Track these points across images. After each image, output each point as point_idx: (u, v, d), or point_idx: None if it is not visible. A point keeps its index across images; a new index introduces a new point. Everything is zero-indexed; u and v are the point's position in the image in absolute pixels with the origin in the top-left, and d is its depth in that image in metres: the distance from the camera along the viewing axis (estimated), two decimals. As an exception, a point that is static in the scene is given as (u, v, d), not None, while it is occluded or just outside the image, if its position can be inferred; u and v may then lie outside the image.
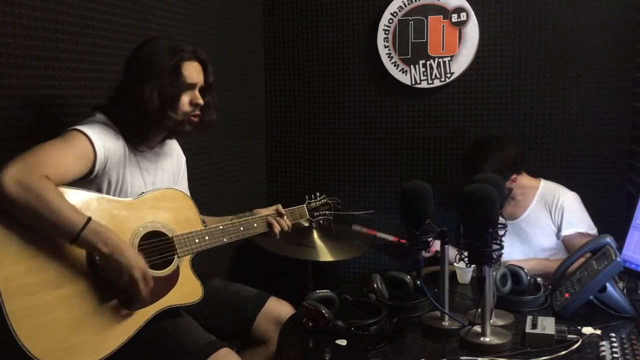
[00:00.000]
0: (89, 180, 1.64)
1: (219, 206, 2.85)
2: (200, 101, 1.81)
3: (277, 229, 2.02)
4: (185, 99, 1.78)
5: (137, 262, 1.53)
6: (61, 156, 1.54)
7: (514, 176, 2.51)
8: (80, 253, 1.53)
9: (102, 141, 1.64)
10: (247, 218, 1.98)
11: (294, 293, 2.18)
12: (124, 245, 1.54)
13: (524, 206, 2.57)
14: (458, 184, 3.00)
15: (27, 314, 1.41)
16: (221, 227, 1.88)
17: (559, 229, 2.49)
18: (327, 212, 2.26)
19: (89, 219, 1.48)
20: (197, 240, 1.80)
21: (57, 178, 1.50)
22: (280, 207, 2.07)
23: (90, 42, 2.03)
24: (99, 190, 1.68)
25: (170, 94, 1.74)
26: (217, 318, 1.98)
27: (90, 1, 2.03)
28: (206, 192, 2.72)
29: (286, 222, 2.05)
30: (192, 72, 1.79)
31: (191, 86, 1.79)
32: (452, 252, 1.80)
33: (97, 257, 1.53)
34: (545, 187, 2.58)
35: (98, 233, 1.49)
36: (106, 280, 1.55)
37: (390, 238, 2.73)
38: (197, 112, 1.82)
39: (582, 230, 2.47)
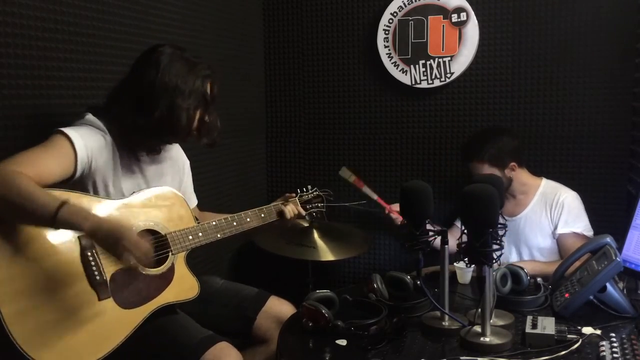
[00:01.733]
0: (72, 182, 1.62)
1: (220, 206, 2.84)
2: (207, 118, 1.83)
3: (288, 214, 2.06)
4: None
5: (121, 226, 1.50)
6: (38, 158, 1.53)
7: (512, 163, 2.52)
8: (75, 253, 1.53)
9: (84, 142, 1.62)
10: (240, 213, 1.98)
11: (294, 293, 2.18)
12: (103, 218, 1.55)
13: (524, 204, 2.58)
14: (458, 184, 3.00)
15: (23, 317, 1.41)
16: (214, 223, 1.88)
17: (556, 227, 2.49)
18: (319, 204, 2.25)
19: (65, 200, 1.45)
20: (190, 237, 1.80)
21: (36, 179, 1.48)
22: (287, 194, 2.15)
23: (90, 42, 2.03)
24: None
25: (200, 116, 1.79)
26: (218, 317, 1.98)
27: (90, 1, 2.02)
28: (207, 191, 2.72)
29: (296, 207, 2.09)
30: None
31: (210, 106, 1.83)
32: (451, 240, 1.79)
33: (82, 235, 1.52)
34: (547, 186, 2.58)
35: (76, 211, 1.46)
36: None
37: (374, 197, 2.74)
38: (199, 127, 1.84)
39: (579, 230, 2.46)
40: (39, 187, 1.47)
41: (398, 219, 2.60)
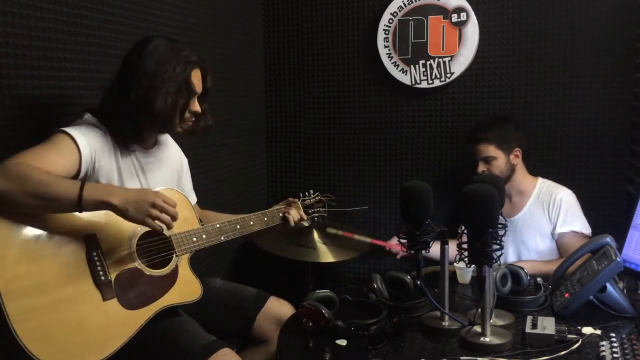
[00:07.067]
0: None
1: (220, 206, 2.84)
2: (199, 109, 1.83)
3: (292, 220, 2.07)
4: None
5: (145, 193, 1.55)
6: (44, 156, 1.53)
7: (517, 149, 2.56)
8: (81, 253, 1.54)
9: (86, 140, 1.63)
10: (243, 216, 1.98)
11: (294, 293, 2.18)
12: (126, 189, 1.58)
13: (520, 206, 2.58)
14: (458, 184, 2.99)
15: (28, 316, 1.41)
16: (218, 225, 1.88)
17: (555, 227, 2.49)
18: (321, 209, 2.26)
19: (83, 181, 1.49)
20: (194, 239, 1.80)
21: None
22: (290, 199, 2.15)
23: (90, 42, 2.03)
24: None
25: (183, 103, 1.76)
26: (218, 318, 1.98)
27: (90, 1, 2.03)
28: (207, 192, 2.72)
29: (298, 212, 2.10)
30: (197, 81, 1.81)
31: (195, 95, 1.81)
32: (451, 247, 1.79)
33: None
34: (542, 186, 2.58)
35: (98, 188, 1.50)
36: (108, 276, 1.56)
37: (369, 240, 2.73)
38: (193, 118, 1.84)
39: (577, 229, 2.47)
40: (53, 173, 1.48)
41: (399, 252, 2.62)
